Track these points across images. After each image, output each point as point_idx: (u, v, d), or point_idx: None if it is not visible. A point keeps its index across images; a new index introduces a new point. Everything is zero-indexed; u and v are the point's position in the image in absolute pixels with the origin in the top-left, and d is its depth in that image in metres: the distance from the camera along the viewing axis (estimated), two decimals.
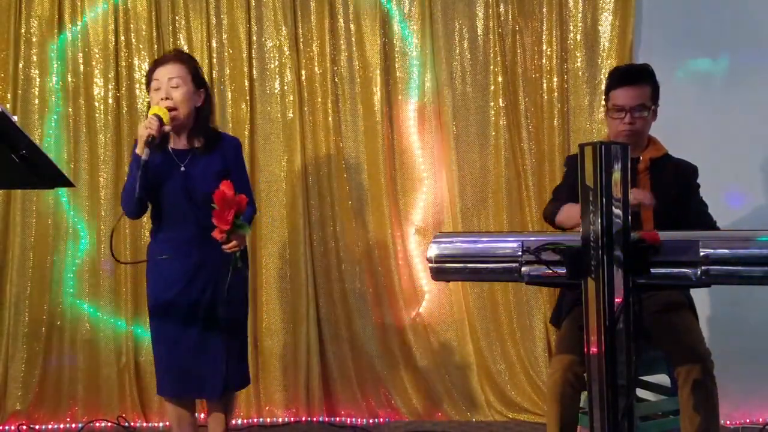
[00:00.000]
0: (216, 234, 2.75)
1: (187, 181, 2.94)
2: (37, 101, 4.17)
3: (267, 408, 4.13)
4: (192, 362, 2.98)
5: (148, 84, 3.00)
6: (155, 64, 2.99)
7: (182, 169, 2.95)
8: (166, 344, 3.02)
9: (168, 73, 2.93)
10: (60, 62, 4.15)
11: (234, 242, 2.79)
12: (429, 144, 4.17)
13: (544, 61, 4.07)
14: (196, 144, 2.99)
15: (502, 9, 4.07)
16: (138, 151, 2.83)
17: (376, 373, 4.14)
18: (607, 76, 3.17)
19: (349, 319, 4.16)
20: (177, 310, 2.98)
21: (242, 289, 3.10)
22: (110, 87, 4.14)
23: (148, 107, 2.98)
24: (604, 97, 3.08)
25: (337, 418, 4.12)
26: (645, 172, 3.01)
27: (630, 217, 2.12)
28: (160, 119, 2.83)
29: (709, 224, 2.95)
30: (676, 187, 3.01)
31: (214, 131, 3.08)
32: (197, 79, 3.01)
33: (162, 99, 2.91)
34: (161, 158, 2.92)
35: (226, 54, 4.14)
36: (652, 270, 2.17)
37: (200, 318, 2.97)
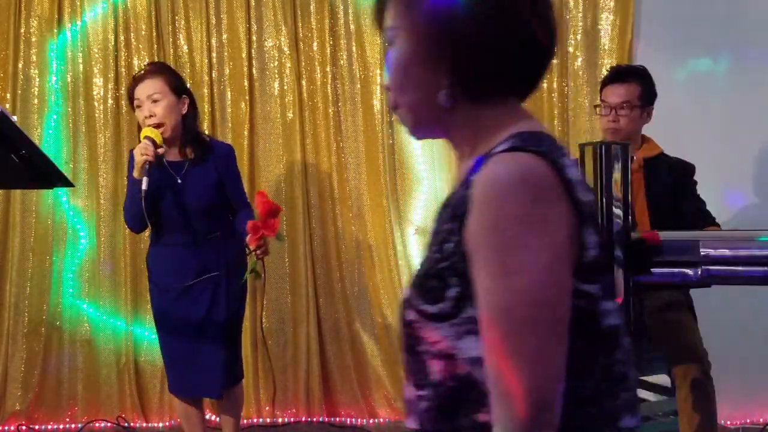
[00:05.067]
0: (252, 241, 2.75)
1: (184, 193, 2.96)
2: (36, 101, 4.16)
3: (267, 408, 4.13)
4: (190, 363, 3.03)
5: (131, 103, 3.00)
6: (133, 83, 2.99)
7: (179, 181, 2.96)
8: (168, 346, 3.08)
9: (146, 90, 2.93)
10: (59, 62, 4.15)
11: (266, 249, 2.81)
12: (429, 144, 4.17)
13: None
14: (189, 154, 3.00)
15: None
16: (136, 175, 2.85)
17: (376, 373, 4.13)
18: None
19: (349, 319, 4.16)
20: (177, 313, 3.02)
21: (243, 290, 3.13)
22: (110, 87, 4.14)
23: (139, 129, 2.99)
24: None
25: (337, 418, 4.11)
26: (638, 171, 3.01)
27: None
28: (153, 142, 2.85)
29: (709, 221, 2.95)
30: (671, 186, 3.01)
31: (204, 139, 3.08)
32: (177, 89, 2.99)
33: (146, 117, 2.92)
34: (158, 171, 2.93)
35: (225, 54, 4.13)
36: (653, 270, 2.17)
37: (198, 321, 3.00)
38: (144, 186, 2.81)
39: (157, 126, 2.91)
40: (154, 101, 2.91)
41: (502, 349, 0.96)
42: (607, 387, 1.03)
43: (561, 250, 0.97)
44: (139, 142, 2.90)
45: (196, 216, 2.97)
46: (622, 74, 3.01)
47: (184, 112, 2.99)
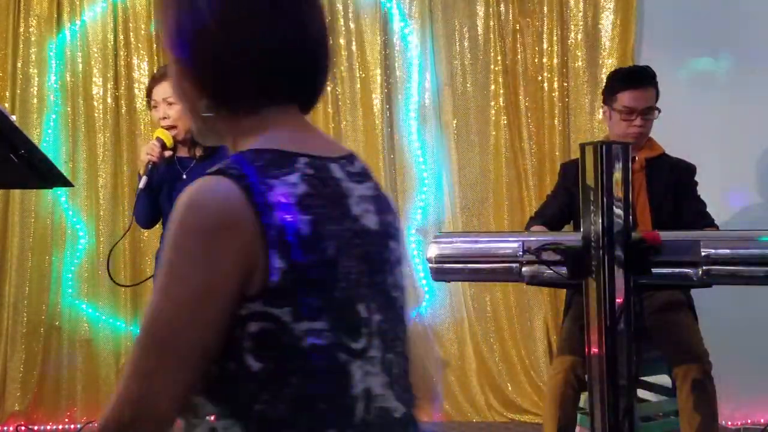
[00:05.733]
0: None
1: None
2: (35, 100, 4.16)
3: None
4: None
5: (148, 101, 3.05)
6: (152, 82, 3.03)
7: (184, 176, 2.99)
8: None
9: (163, 92, 2.95)
10: (59, 61, 4.14)
11: None
12: (429, 144, 4.16)
13: (544, 60, 4.06)
14: (197, 152, 3.03)
15: (502, 8, 4.06)
16: (141, 172, 2.92)
17: None
18: (609, 76, 3.16)
19: None
20: None
21: None
22: (109, 86, 4.13)
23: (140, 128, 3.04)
24: (606, 97, 3.06)
25: None
26: (640, 172, 3.01)
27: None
28: (162, 143, 2.90)
29: (708, 223, 2.95)
30: (673, 187, 3.01)
31: None
32: None
33: (160, 119, 2.96)
34: (166, 167, 2.96)
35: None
36: (653, 270, 2.17)
37: None
38: (141, 185, 2.86)
39: (170, 128, 2.95)
40: (170, 104, 2.94)
41: (132, 353, 1.05)
42: (306, 406, 1.04)
43: (217, 280, 1.01)
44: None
45: None
46: (641, 78, 2.98)
47: None
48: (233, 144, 1.15)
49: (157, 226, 3.11)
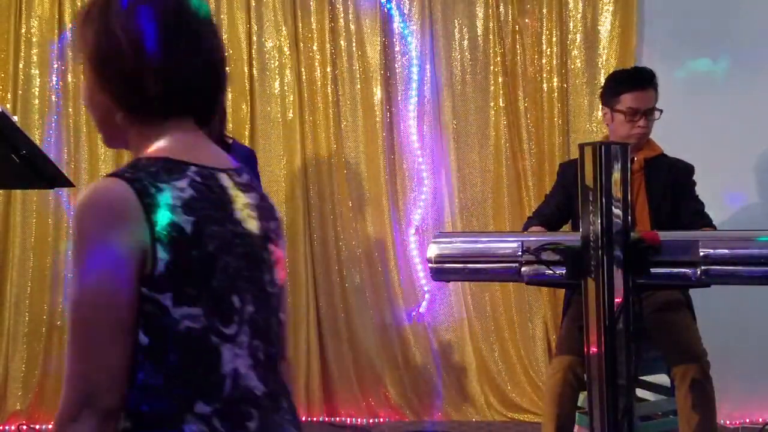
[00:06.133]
0: None
1: None
2: (37, 101, 4.16)
3: None
4: None
5: None
6: None
7: None
8: None
9: None
10: (60, 62, 4.15)
11: None
12: (429, 144, 4.17)
13: (544, 61, 4.07)
14: None
15: (502, 9, 4.07)
16: None
17: (376, 373, 4.14)
18: (610, 78, 3.16)
19: (349, 319, 4.16)
20: None
21: None
22: None
23: None
24: (607, 99, 3.06)
25: (337, 418, 4.11)
26: (639, 172, 3.02)
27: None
28: None
29: (706, 223, 2.95)
30: (671, 187, 3.02)
31: (225, 140, 3.11)
32: None
33: None
34: None
35: (225, 54, 4.13)
36: (652, 270, 2.17)
37: None
38: None
39: None
40: None
41: (69, 338, 1.19)
42: (181, 378, 1.22)
43: (117, 264, 1.17)
44: None
45: None
46: (644, 79, 2.99)
47: None
48: (136, 150, 1.32)
49: None
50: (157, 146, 1.29)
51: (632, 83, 2.98)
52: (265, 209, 1.38)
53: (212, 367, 1.24)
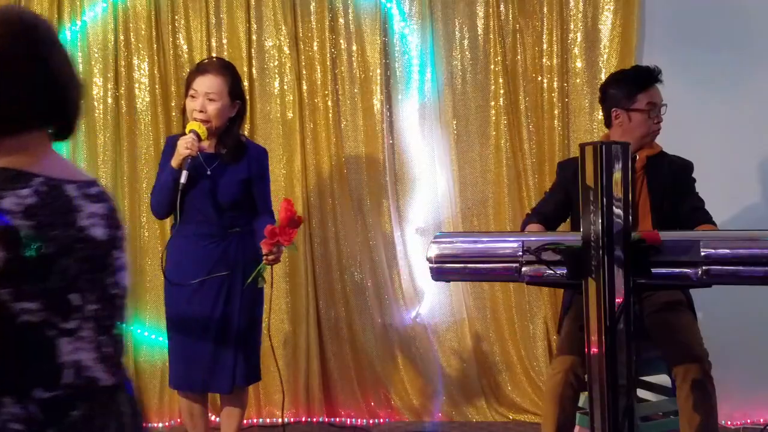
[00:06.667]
0: (266, 245, 2.84)
1: (213, 186, 3.02)
2: None
3: (267, 408, 4.13)
4: (204, 354, 3.03)
5: (186, 88, 3.06)
6: (197, 72, 3.04)
7: (208, 173, 3.02)
8: (180, 335, 3.08)
9: (206, 85, 2.98)
10: None
11: (278, 257, 2.90)
12: (429, 144, 4.17)
13: (544, 60, 4.06)
14: (222, 150, 3.05)
15: (502, 8, 4.07)
16: (174, 165, 2.93)
17: (376, 373, 4.13)
18: (619, 80, 3.10)
19: (349, 319, 4.16)
20: (194, 302, 3.03)
21: (260, 290, 3.15)
22: (109, 87, 4.13)
23: (184, 112, 3.08)
24: (618, 101, 3.04)
25: (337, 419, 4.11)
26: (641, 170, 3.02)
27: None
28: (198, 136, 2.93)
29: (704, 219, 2.95)
30: (672, 185, 3.03)
31: (241, 140, 3.14)
32: (234, 92, 3.05)
33: (196, 110, 2.98)
34: (189, 161, 2.97)
35: (225, 54, 4.13)
36: (653, 270, 2.17)
37: (216, 313, 3.02)
38: (183, 179, 2.89)
39: (204, 122, 2.97)
40: (210, 99, 2.97)
41: None
42: (19, 365, 1.36)
43: None
44: (183, 128, 3.00)
45: (220, 209, 3.02)
46: (657, 75, 3.06)
47: (232, 115, 3.06)
48: None
49: (156, 222, 3.12)
50: (11, 158, 1.42)
51: (648, 80, 3.04)
52: (113, 218, 1.52)
53: (48, 358, 1.38)
